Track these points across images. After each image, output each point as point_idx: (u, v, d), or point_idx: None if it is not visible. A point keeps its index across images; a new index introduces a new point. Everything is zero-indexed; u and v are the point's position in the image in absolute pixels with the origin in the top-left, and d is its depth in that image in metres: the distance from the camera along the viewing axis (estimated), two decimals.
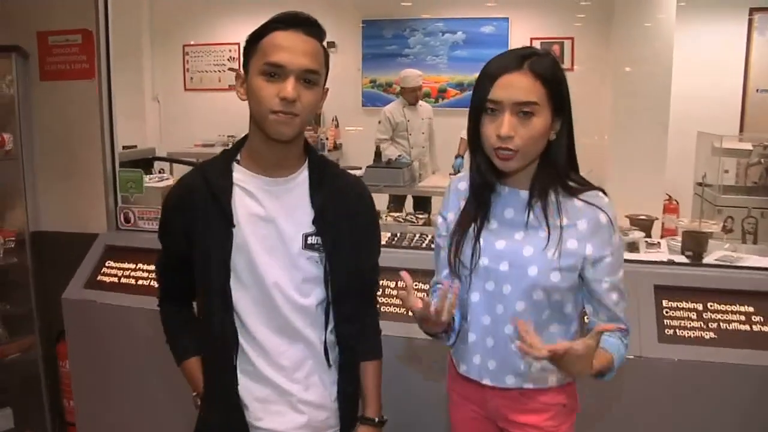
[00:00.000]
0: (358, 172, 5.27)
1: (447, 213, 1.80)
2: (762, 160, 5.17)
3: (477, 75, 1.63)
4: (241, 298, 1.63)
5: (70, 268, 3.17)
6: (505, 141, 1.54)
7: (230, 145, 1.77)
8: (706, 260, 2.90)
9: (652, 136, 5.23)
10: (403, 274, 1.55)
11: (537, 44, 6.36)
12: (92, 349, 3.08)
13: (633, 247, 3.04)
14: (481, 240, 1.68)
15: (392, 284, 2.78)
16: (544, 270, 1.61)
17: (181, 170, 4.49)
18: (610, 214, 1.63)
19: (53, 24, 3.26)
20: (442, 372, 1.95)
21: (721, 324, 2.48)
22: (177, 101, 8.00)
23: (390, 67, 7.50)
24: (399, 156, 5.90)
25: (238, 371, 1.66)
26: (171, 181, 3.81)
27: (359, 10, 7.52)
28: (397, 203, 5.80)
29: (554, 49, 6.62)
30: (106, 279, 3.12)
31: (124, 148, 4.33)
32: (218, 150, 1.79)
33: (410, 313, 1.59)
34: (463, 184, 1.77)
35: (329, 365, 1.72)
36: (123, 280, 3.09)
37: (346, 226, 1.69)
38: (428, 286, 1.96)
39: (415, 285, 1.55)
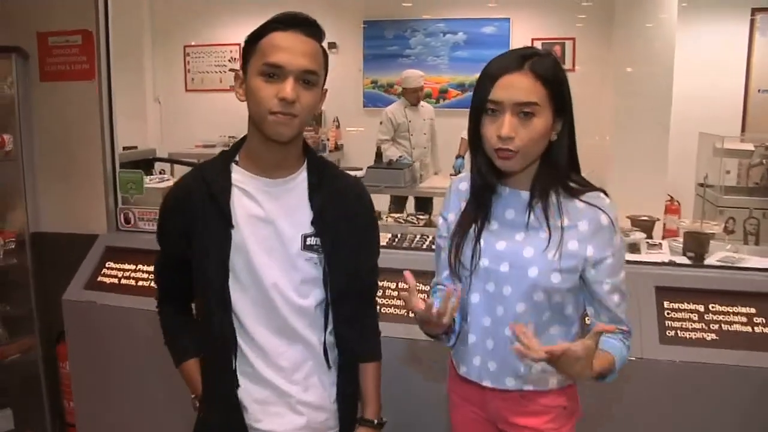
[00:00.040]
0: (359, 173, 5.27)
1: (448, 214, 1.79)
2: (764, 161, 5.15)
3: (478, 76, 1.62)
4: (240, 299, 1.63)
5: (70, 269, 3.17)
6: (505, 142, 1.54)
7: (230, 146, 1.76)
8: (707, 261, 2.89)
9: (654, 136, 5.21)
10: (406, 274, 1.54)
11: (538, 45, 6.33)
12: (92, 350, 3.08)
13: (634, 248, 3.03)
14: (482, 241, 1.68)
15: (393, 285, 2.78)
16: (544, 271, 1.60)
17: (181, 171, 4.49)
18: (612, 215, 1.62)
19: (53, 24, 3.26)
20: (443, 373, 1.94)
21: (722, 325, 2.47)
22: (178, 102, 8.01)
23: (391, 67, 7.50)
24: (400, 157, 5.90)
25: (237, 373, 1.65)
26: (171, 182, 3.81)
27: (360, 11, 7.51)
28: (398, 204, 5.80)
29: (555, 50, 6.61)
30: (106, 280, 3.12)
31: (124, 148, 4.32)
32: (219, 150, 1.79)
33: (411, 314, 1.58)
34: (464, 184, 1.76)
35: (329, 366, 1.71)
36: (123, 281, 3.09)
37: (345, 227, 1.68)
38: (428, 287, 1.95)
39: (417, 286, 1.55)
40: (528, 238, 1.64)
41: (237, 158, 1.68)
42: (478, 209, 1.70)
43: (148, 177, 3.86)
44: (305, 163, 1.70)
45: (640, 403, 2.41)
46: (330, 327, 1.70)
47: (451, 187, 1.82)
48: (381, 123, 6.14)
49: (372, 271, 1.80)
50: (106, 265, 3.17)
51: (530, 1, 7.06)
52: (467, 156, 1.75)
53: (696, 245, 2.96)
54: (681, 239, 3.10)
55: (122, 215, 3.32)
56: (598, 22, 6.60)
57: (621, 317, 1.66)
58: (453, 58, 7.40)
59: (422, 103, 6.31)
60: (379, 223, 4.17)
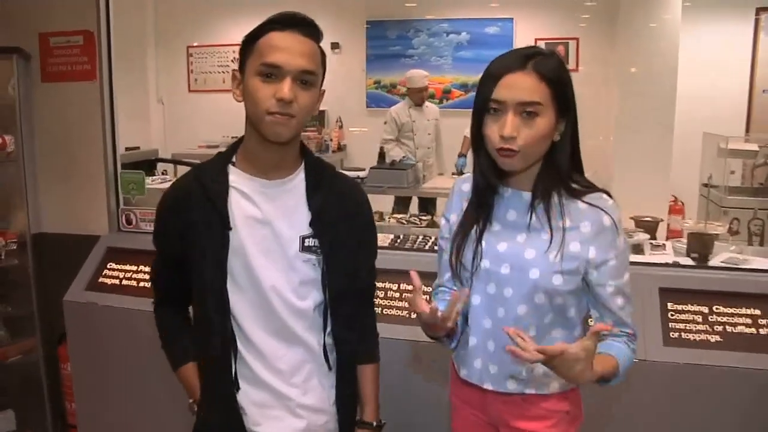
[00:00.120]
0: (361, 174, 5.26)
1: (450, 215, 1.78)
2: None
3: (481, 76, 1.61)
4: (238, 302, 1.62)
5: (72, 270, 3.17)
6: (507, 141, 1.52)
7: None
8: (711, 262, 2.88)
9: (658, 136, 5.19)
10: (412, 274, 1.54)
11: (541, 45, 6.32)
12: (94, 351, 3.07)
13: (638, 248, 3.02)
14: (483, 242, 1.66)
15: (395, 287, 2.77)
16: (545, 273, 1.59)
17: (183, 171, 4.48)
18: (614, 217, 1.60)
19: (54, 25, 3.26)
20: (445, 375, 1.93)
21: (726, 327, 2.45)
22: (181, 103, 8.00)
23: (394, 68, 7.48)
24: (403, 157, 5.89)
25: (236, 376, 1.64)
26: None
27: (363, 11, 7.49)
28: (402, 205, 5.79)
29: (559, 50, 6.59)
30: (108, 281, 3.11)
31: (126, 149, 4.32)
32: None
33: (413, 315, 1.57)
34: (466, 185, 1.75)
35: (329, 368, 1.70)
36: (124, 282, 3.08)
37: (344, 228, 1.68)
38: (431, 289, 1.94)
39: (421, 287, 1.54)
40: (529, 239, 1.63)
41: (234, 159, 1.67)
42: (480, 210, 1.69)
43: (150, 178, 3.86)
44: (303, 164, 1.69)
45: (643, 406, 2.39)
46: (329, 328, 1.69)
47: (453, 188, 1.81)
48: (385, 123, 6.14)
49: (370, 272, 1.80)
50: (108, 266, 3.16)
51: (533, 1, 7.04)
52: (469, 154, 1.74)
53: (700, 246, 2.94)
54: (685, 240, 3.08)
55: (124, 216, 3.32)
56: (602, 22, 6.58)
57: (625, 320, 1.65)
58: (456, 58, 7.37)
59: (427, 103, 6.32)
60: (382, 224, 4.22)
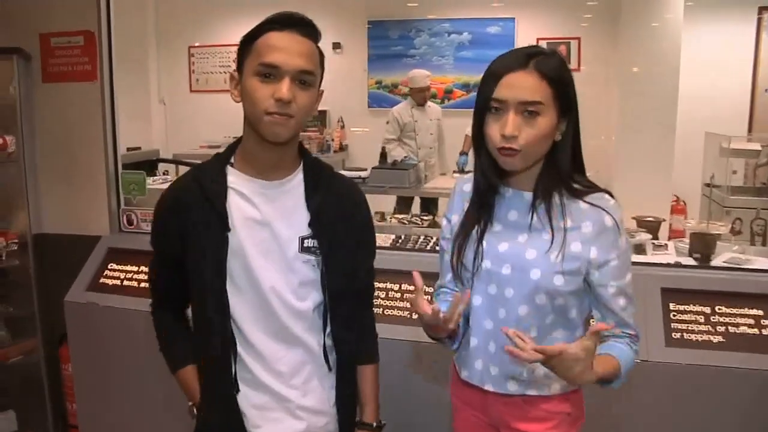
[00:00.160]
0: (363, 174, 5.26)
1: (451, 215, 1.77)
2: None
3: None
4: (237, 304, 1.61)
5: (73, 271, 3.17)
6: (509, 140, 1.51)
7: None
8: (714, 262, 2.87)
9: (660, 136, 5.19)
10: (415, 274, 1.53)
11: (543, 45, 6.32)
12: (94, 352, 3.07)
13: (640, 249, 3.01)
14: (484, 242, 1.66)
15: (396, 287, 2.76)
16: (546, 273, 1.58)
17: (185, 172, 4.49)
18: (616, 217, 1.59)
19: (55, 25, 3.26)
20: (446, 376, 1.92)
21: (729, 327, 2.45)
22: (183, 103, 8.00)
23: (396, 67, 7.49)
24: (405, 157, 5.89)
25: (236, 378, 1.63)
26: None
27: (365, 11, 7.49)
28: (404, 205, 5.79)
29: (561, 50, 6.57)
30: (109, 281, 3.11)
31: (128, 149, 4.33)
32: None
33: (414, 316, 1.57)
34: (468, 186, 1.74)
35: (329, 368, 1.70)
36: (125, 283, 3.08)
37: (342, 228, 1.67)
38: (432, 290, 1.94)
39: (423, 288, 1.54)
40: (531, 239, 1.62)
41: (232, 160, 1.66)
42: (481, 210, 1.68)
43: (152, 178, 3.86)
44: (301, 164, 1.69)
45: (645, 407, 2.38)
46: (328, 329, 1.68)
47: (455, 189, 1.81)
48: (387, 122, 6.15)
49: (369, 273, 1.80)
50: (109, 267, 3.16)
51: (535, 1, 7.04)
52: (471, 153, 1.73)
53: (702, 246, 2.93)
54: (687, 240, 3.08)
55: (125, 216, 3.31)
56: (604, 22, 6.58)
57: (627, 321, 1.64)
58: (458, 58, 7.37)
59: (429, 103, 6.32)
60: (383, 224, 4.21)
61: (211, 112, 7.74)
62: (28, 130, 3.32)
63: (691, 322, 2.47)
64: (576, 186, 1.62)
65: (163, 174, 4.79)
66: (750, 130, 6.47)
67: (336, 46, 7.48)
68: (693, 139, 5.58)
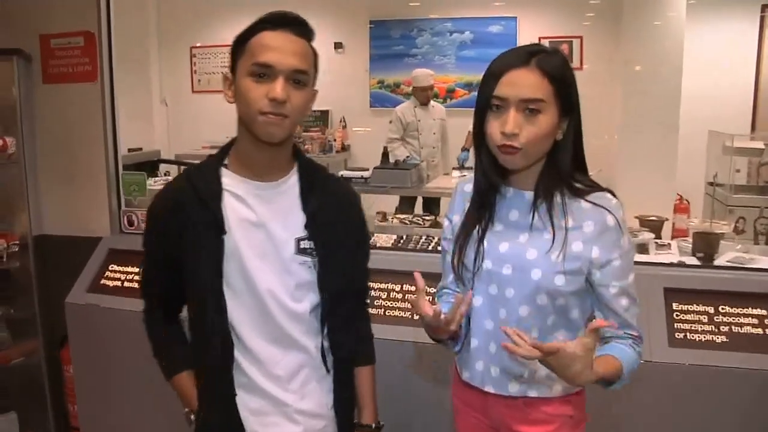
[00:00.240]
0: (365, 174, 5.25)
1: (453, 216, 1.76)
2: None
3: None
4: (234, 307, 1.60)
5: (74, 272, 3.17)
6: (509, 138, 1.50)
7: None
8: (717, 262, 2.86)
9: (662, 135, 5.17)
10: (416, 275, 1.52)
11: (545, 43, 6.31)
12: (95, 353, 3.07)
13: (643, 248, 3.01)
14: (485, 242, 1.64)
15: (397, 288, 2.75)
16: (547, 273, 1.56)
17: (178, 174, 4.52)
18: (618, 216, 1.58)
19: (55, 26, 3.26)
20: (447, 376, 1.91)
21: (732, 327, 2.43)
22: (185, 103, 7.99)
23: (398, 67, 7.48)
24: (407, 157, 5.88)
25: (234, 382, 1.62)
26: None
27: (366, 11, 7.48)
28: (406, 205, 5.78)
29: (563, 48, 6.57)
30: (110, 283, 3.11)
31: (129, 150, 4.32)
32: None
33: (416, 317, 1.56)
34: (469, 186, 1.73)
35: (327, 371, 1.69)
36: (126, 284, 3.08)
37: (338, 230, 1.67)
38: (434, 290, 1.92)
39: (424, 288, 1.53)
40: (532, 239, 1.60)
41: (226, 161, 1.65)
42: (482, 210, 1.67)
43: (153, 179, 3.85)
44: (296, 166, 1.68)
45: (647, 407, 2.37)
46: (325, 331, 1.67)
47: (456, 189, 1.80)
48: (390, 122, 6.15)
49: (364, 273, 1.80)
50: (110, 268, 3.16)
51: (537, 0, 7.02)
52: (472, 149, 1.72)
53: (705, 245, 2.92)
54: (690, 239, 3.06)
55: (125, 217, 3.31)
56: (606, 20, 6.56)
57: (630, 322, 1.62)
58: (460, 57, 7.36)
59: (433, 102, 6.32)
60: (385, 224, 4.20)
61: (213, 112, 7.70)
62: (28, 132, 3.32)
63: (694, 322, 2.46)
64: (577, 185, 1.61)
65: (165, 175, 4.78)
66: (753, 128, 6.45)
67: (338, 45, 7.47)
68: (696, 138, 5.57)
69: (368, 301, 1.85)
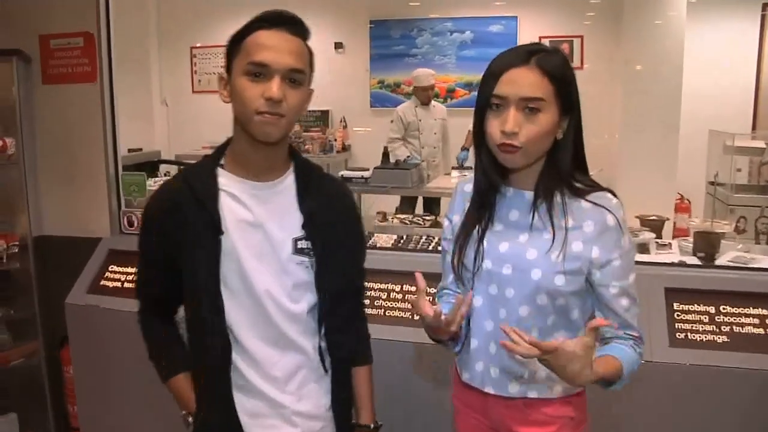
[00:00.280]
0: (365, 174, 5.25)
1: (453, 216, 1.76)
2: None
3: None
4: (231, 308, 1.59)
5: (74, 273, 3.16)
6: (509, 137, 1.50)
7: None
8: (718, 261, 2.86)
9: (663, 134, 5.17)
10: (417, 275, 1.52)
11: (546, 43, 6.30)
12: (95, 354, 3.06)
13: (643, 248, 3.00)
14: (485, 242, 1.64)
15: (398, 288, 2.75)
16: (547, 273, 1.56)
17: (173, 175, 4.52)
18: (618, 216, 1.57)
19: (55, 27, 3.25)
20: (447, 377, 1.91)
21: (734, 327, 2.43)
22: (185, 104, 7.99)
23: (398, 67, 7.48)
24: (408, 157, 5.87)
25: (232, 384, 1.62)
26: None
27: (367, 10, 7.48)
28: (407, 205, 5.78)
29: (563, 48, 6.56)
30: (109, 283, 3.10)
31: (129, 151, 4.32)
32: None
33: (416, 317, 1.55)
34: (469, 186, 1.72)
35: (325, 371, 1.68)
36: (126, 285, 3.07)
37: (335, 229, 1.66)
38: (434, 290, 1.92)
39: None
40: (531, 239, 1.60)
41: (222, 161, 1.64)
42: (482, 210, 1.66)
43: (153, 179, 3.85)
44: (292, 165, 1.67)
45: (648, 407, 2.36)
46: (323, 331, 1.67)
47: (456, 189, 1.79)
48: (392, 121, 6.15)
49: (361, 273, 1.79)
50: (109, 269, 3.15)
51: None
52: (472, 149, 1.72)
53: (706, 245, 2.92)
54: (691, 239, 3.06)
55: (125, 218, 3.31)
56: (607, 20, 6.56)
57: (631, 323, 1.61)
58: (460, 57, 7.35)
59: (434, 102, 6.32)
60: (385, 224, 4.20)
61: (214, 113, 7.67)
62: (28, 132, 3.32)
63: (695, 322, 2.45)
64: (578, 185, 1.61)
65: (165, 175, 4.77)
66: (754, 127, 6.45)
67: (338, 45, 7.47)
68: (697, 137, 5.57)
69: (365, 300, 1.84)
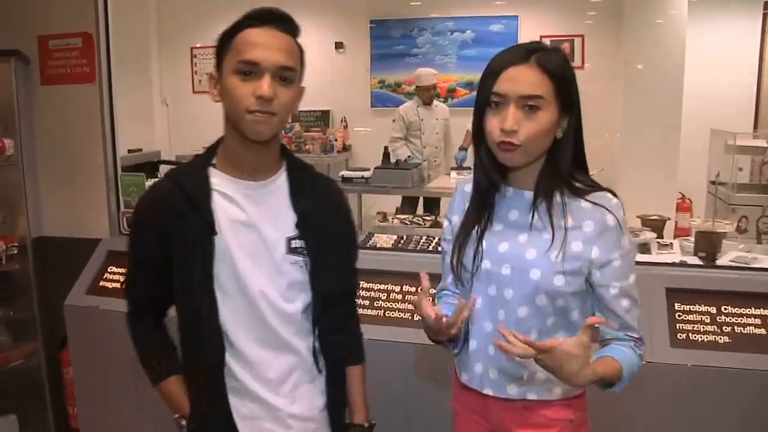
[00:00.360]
0: (366, 174, 5.24)
1: (453, 216, 1.75)
2: None
3: None
4: (225, 310, 1.57)
5: (73, 274, 3.16)
6: (509, 135, 1.49)
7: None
8: (719, 261, 2.85)
9: (664, 134, 5.17)
10: (422, 275, 1.51)
11: (547, 42, 6.29)
12: (95, 355, 3.06)
13: (644, 248, 2.99)
14: (484, 242, 1.63)
15: (397, 288, 2.74)
16: (546, 273, 1.55)
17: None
18: (619, 216, 1.56)
19: (53, 27, 3.25)
20: (447, 378, 1.90)
21: (735, 328, 2.42)
22: (185, 104, 7.98)
23: (399, 67, 7.47)
24: (409, 157, 5.87)
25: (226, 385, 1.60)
26: None
27: (367, 10, 7.47)
28: (408, 205, 5.77)
29: (564, 47, 6.56)
30: (109, 284, 3.10)
31: (129, 151, 4.31)
32: None
33: (415, 317, 1.54)
34: (469, 186, 1.71)
35: (319, 371, 1.68)
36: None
37: (328, 229, 1.65)
38: (434, 291, 1.91)
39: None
40: (531, 239, 1.59)
41: (214, 161, 1.63)
42: (482, 210, 1.65)
43: (152, 180, 3.84)
44: (284, 165, 1.66)
45: (649, 408, 2.35)
46: (317, 332, 1.66)
47: (456, 189, 1.78)
48: (394, 121, 6.14)
49: (354, 272, 1.78)
50: (109, 270, 3.15)
51: None
52: (471, 149, 1.71)
53: (708, 245, 2.91)
54: (692, 239, 3.05)
55: (124, 219, 3.30)
56: (608, 19, 6.55)
57: (631, 324, 1.60)
58: (461, 56, 7.35)
59: (436, 102, 6.32)
60: (385, 224, 4.19)
61: (214, 113, 7.58)
62: (27, 133, 3.31)
63: (696, 322, 2.44)
64: (578, 185, 1.59)
65: None
66: (756, 126, 6.44)
67: (338, 45, 7.47)
68: (698, 137, 5.56)
69: (357, 300, 1.84)
